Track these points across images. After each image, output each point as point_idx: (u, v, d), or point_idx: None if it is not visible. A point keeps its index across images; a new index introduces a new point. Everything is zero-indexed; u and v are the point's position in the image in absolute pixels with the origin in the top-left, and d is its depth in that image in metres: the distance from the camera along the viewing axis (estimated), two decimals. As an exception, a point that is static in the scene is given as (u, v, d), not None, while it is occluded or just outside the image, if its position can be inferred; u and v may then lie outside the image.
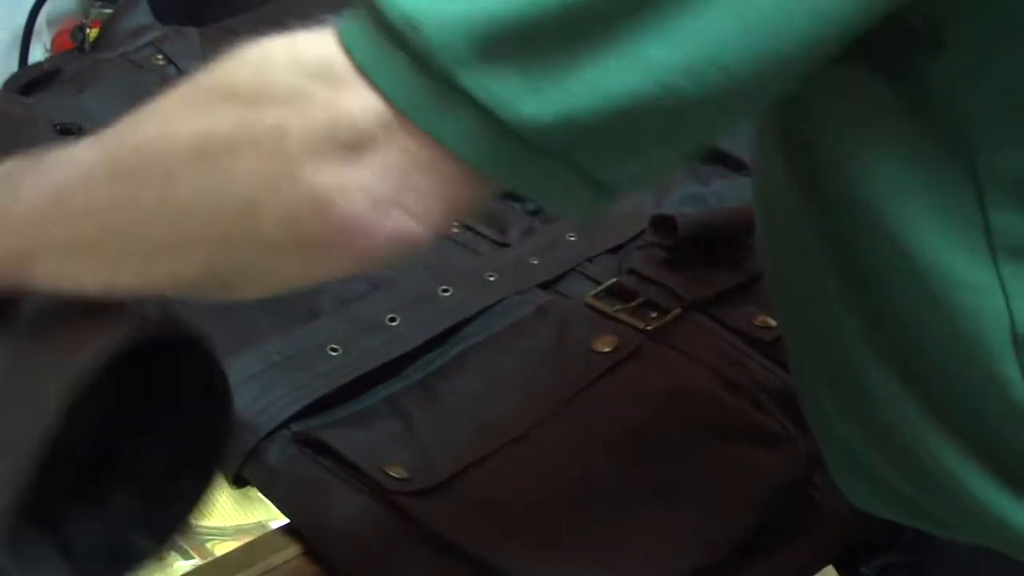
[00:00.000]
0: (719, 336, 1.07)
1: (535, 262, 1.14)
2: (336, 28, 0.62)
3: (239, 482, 0.94)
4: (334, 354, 0.99)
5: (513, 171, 0.61)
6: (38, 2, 1.46)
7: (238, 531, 0.92)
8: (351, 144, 0.60)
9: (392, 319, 1.03)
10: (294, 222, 0.61)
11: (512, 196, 1.26)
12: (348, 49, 0.60)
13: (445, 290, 1.07)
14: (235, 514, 0.94)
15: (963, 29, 0.65)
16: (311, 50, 0.62)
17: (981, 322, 0.70)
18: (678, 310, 1.08)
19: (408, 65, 0.59)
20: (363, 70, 0.60)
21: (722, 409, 0.99)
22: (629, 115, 0.59)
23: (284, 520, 0.92)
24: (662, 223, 1.15)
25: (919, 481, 0.77)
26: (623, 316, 1.07)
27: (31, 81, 1.37)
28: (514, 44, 0.58)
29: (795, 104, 0.71)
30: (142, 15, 1.38)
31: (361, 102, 0.60)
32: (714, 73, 0.59)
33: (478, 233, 1.20)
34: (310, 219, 0.61)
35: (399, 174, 0.60)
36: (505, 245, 1.18)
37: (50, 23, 1.51)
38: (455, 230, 1.20)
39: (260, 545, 0.91)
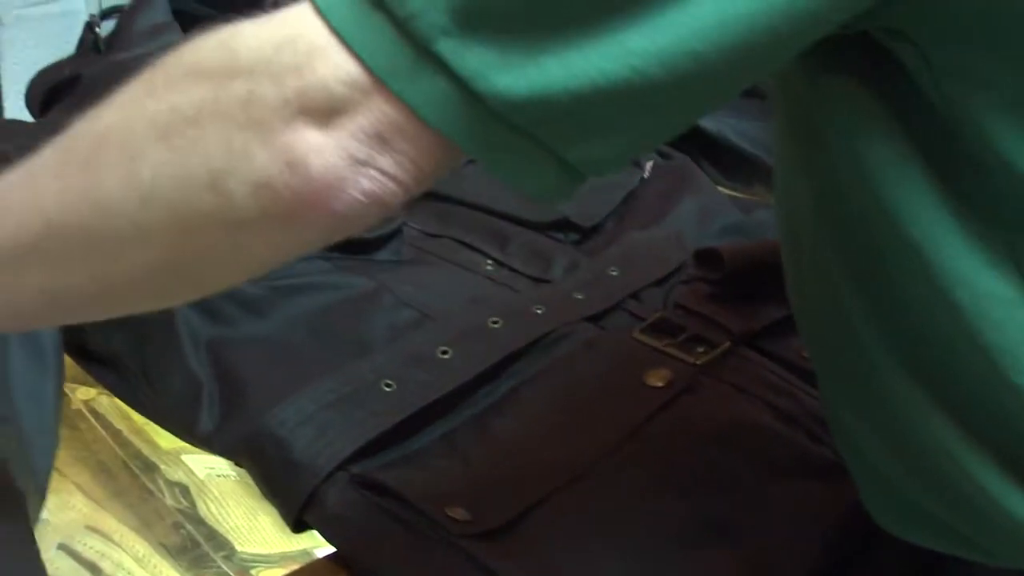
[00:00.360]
0: (768, 368, 1.06)
1: (579, 297, 1.14)
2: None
3: (300, 526, 0.93)
4: (388, 390, 0.98)
5: (481, 143, 0.61)
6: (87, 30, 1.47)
7: (283, 558, 0.92)
8: (326, 109, 0.60)
9: (444, 352, 1.02)
10: (266, 188, 0.61)
11: (555, 228, 1.27)
12: (323, 14, 0.60)
13: (495, 322, 1.07)
14: (280, 541, 0.94)
15: (945, 53, 0.65)
16: (280, 25, 0.62)
17: (1006, 335, 0.69)
18: (727, 343, 1.08)
19: (386, 31, 0.59)
20: (339, 34, 0.60)
21: (779, 442, 0.98)
22: (599, 97, 0.59)
23: (329, 548, 0.92)
24: (707, 257, 1.14)
25: (953, 503, 0.77)
26: (672, 351, 1.07)
27: (52, 88, 1.35)
28: (496, 19, 0.59)
29: (814, 125, 0.72)
30: (159, 11, 1.35)
31: (335, 68, 0.60)
32: (687, 62, 0.59)
33: (514, 270, 1.20)
34: (284, 183, 0.61)
35: (373, 137, 0.61)
36: (545, 281, 1.18)
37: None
38: (489, 268, 1.20)
39: (305, 573, 0.91)
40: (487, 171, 0.62)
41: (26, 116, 1.45)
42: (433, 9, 0.58)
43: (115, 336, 1.08)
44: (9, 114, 1.95)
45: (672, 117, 0.64)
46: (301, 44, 0.61)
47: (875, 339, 0.75)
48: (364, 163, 0.61)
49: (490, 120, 0.60)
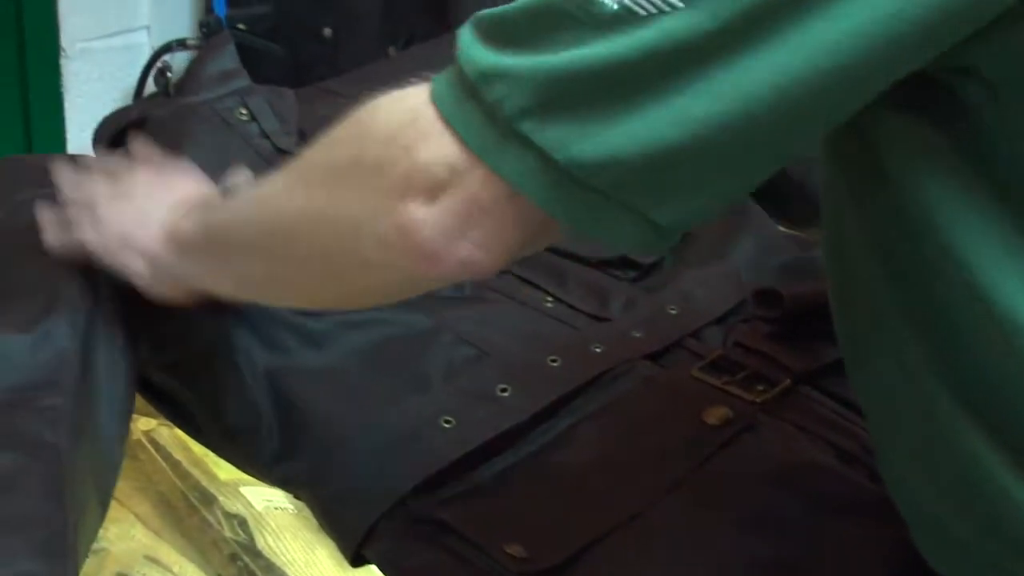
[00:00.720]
0: (830, 407, 1.05)
1: (638, 335, 1.13)
2: (431, 81, 0.73)
3: (358, 561, 0.93)
4: (447, 426, 0.98)
5: (566, 205, 0.68)
6: (149, 63, 1.49)
7: (339, 591, 0.93)
8: (428, 187, 0.71)
9: (503, 389, 1.02)
10: (386, 245, 0.73)
11: (613, 265, 1.27)
12: (435, 100, 0.71)
13: (553, 360, 1.07)
14: (336, 574, 0.94)
15: (1012, 83, 0.66)
16: (409, 99, 0.73)
17: None
18: (787, 381, 1.07)
19: (480, 114, 0.69)
20: (445, 119, 0.70)
21: (839, 482, 0.97)
22: (666, 159, 0.66)
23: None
24: (766, 296, 1.14)
25: (1008, 544, 0.76)
26: (732, 389, 1.06)
27: (120, 130, 1.36)
28: (570, 99, 0.66)
29: (873, 167, 0.73)
30: (228, 59, 1.36)
31: (437, 151, 0.70)
32: (743, 124, 0.65)
33: (573, 307, 1.19)
34: (397, 244, 0.73)
35: (465, 213, 0.71)
36: (604, 319, 1.18)
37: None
38: (549, 304, 1.20)
39: (361, 606, 0.92)
40: (579, 232, 0.70)
41: (89, 146, 1.46)
42: (514, 95, 0.67)
43: (174, 364, 1.09)
44: (72, 145, 1.97)
45: (743, 175, 0.70)
46: (413, 128, 0.72)
47: (933, 381, 0.75)
48: (458, 236, 0.71)
49: (571, 185, 0.67)
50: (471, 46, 0.70)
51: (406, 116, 0.72)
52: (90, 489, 0.92)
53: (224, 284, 0.94)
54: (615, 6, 0.65)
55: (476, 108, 0.69)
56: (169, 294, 0.99)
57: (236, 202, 0.91)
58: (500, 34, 0.69)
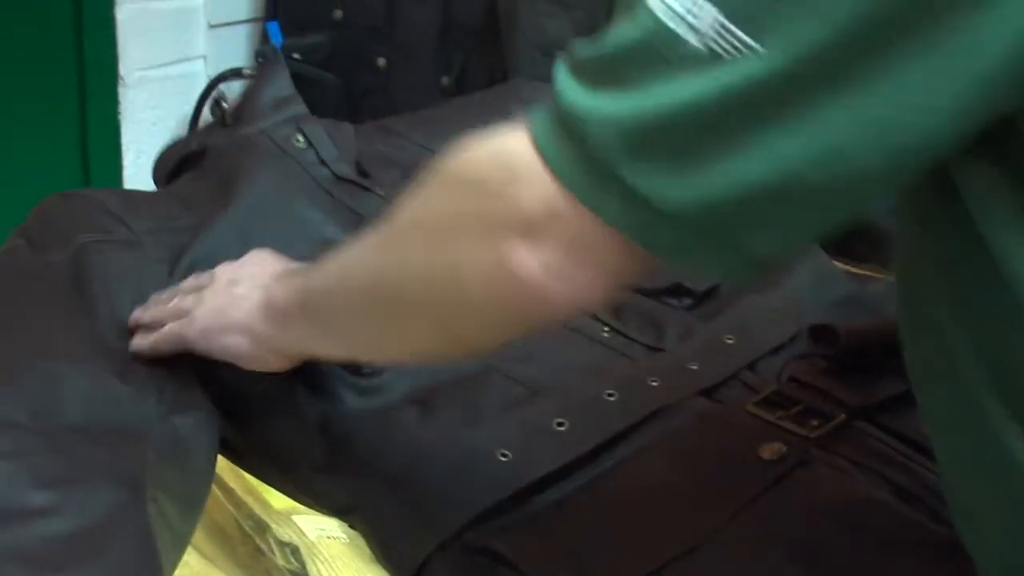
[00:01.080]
0: (886, 443, 1.05)
1: (694, 367, 1.13)
2: (529, 121, 0.73)
3: (413, 592, 0.93)
4: (504, 459, 0.98)
5: (666, 243, 0.70)
6: (205, 92, 1.50)
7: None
8: (530, 229, 0.72)
9: (560, 423, 1.02)
10: (490, 286, 0.75)
11: (668, 294, 1.27)
12: (535, 139, 0.72)
13: (610, 394, 1.06)
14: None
15: None
16: (501, 142, 0.74)
17: None
18: (842, 416, 1.07)
19: (577, 155, 0.70)
20: (544, 159, 0.71)
21: (896, 519, 0.96)
22: (761, 198, 0.67)
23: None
24: (822, 333, 1.13)
25: None
26: (787, 424, 1.06)
27: (181, 161, 1.37)
28: (658, 140, 0.67)
29: (941, 203, 0.72)
30: (282, 85, 1.37)
31: (536, 192, 0.71)
32: (835, 162, 0.65)
33: (630, 338, 1.19)
34: (502, 285, 0.74)
35: (568, 252, 0.72)
36: (659, 350, 1.18)
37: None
38: (606, 334, 1.20)
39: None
40: (681, 265, 0.72)
41: (144, 173, 1.47)
42: (609, 137, 0.68)
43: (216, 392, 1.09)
44: (128, 172, 2.00)
45: (834, 210, 0.70)
46: (509, 170, 0.73)
47: (1008, 420, 0.74)
48: (563, 274, 0.73)
49: (668, 223, 0.68)
50: (568, 86, 0.70)
51: (500, 159, 0.74)
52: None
53: (331, 347, 0.97)
54: (702, 48, 0.66)
55: (573, 148, 0.70)
56: (273, 364, 1.02)
57: (330, 266, 0.92)
58: (594, 73, 0.70)
